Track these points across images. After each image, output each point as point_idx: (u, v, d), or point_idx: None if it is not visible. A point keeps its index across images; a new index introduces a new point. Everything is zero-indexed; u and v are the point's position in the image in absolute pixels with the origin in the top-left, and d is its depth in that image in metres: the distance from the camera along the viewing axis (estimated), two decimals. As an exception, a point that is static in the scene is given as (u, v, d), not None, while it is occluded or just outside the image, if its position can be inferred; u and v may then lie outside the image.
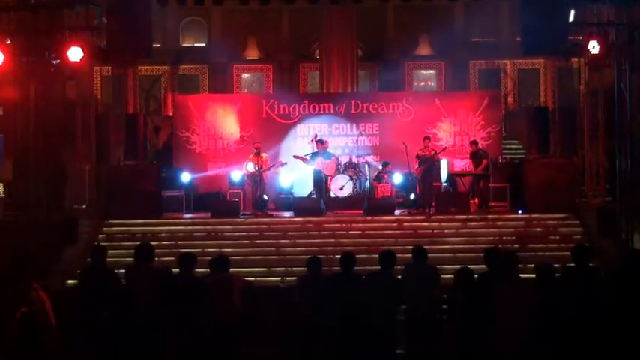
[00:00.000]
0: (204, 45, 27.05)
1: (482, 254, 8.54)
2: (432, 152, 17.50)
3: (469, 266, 8.42)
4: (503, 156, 19.51)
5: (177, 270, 8.84)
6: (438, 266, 9.32)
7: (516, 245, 14.53)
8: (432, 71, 27.17)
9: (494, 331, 7.72)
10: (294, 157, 18.31)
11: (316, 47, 25.44)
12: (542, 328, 7.61)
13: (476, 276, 8.21)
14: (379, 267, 8.80)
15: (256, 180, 17.38)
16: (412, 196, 17.54)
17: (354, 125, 19.66)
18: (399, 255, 8.96)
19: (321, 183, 17.89)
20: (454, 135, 19.56)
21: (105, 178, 16.95)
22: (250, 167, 17.22)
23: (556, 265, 12.46)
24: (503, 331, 7.65)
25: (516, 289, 7.80)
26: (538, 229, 15.81)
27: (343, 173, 18.17)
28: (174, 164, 19.35)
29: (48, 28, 15.21)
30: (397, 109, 19.72)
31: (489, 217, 16.39)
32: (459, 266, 8.57)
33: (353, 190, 18.03)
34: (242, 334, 8.84)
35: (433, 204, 16.82)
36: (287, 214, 17.08)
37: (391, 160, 18.55)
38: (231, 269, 9.18)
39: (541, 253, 14.22)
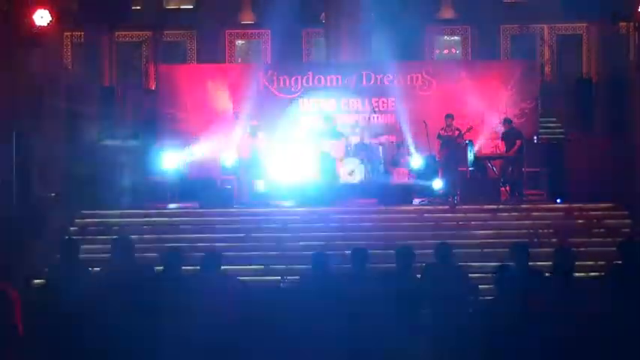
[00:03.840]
0: (191, 7, 27.01)
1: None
2: (457, 132, 17.55)
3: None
4: (540, 136, 19.48)
5: (161, 268, 8.84)
6: (462, 263, 9.27)
7: (554, 240, 14.51)
8: (456, 37, 27.11)
9: None
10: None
11: (322, 9, 25.36)
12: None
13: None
14: (395, 265, 8.78)
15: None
16: (434, 183, 17.52)
17: (366, 100, 19.64)
18: (418, 251, 8.93)
19: (328, 167, 17.87)
20: (482, 112, 19.50)
21: (77, 162, 16.94)
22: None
23: (601, 263, 12.70)
24: None
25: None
26: (580, 221, 15.77)
27: (353, 156, 18.14)
28: (158, 145, 19.33)
29: (9, -13, 15.19)
30: (416, 81, 19.69)
31: (523, 206, 16.38)
32: (487, 264, 8.52)
33: (365, 176, 18.01)
34: (235, 344, 8.81)
35: (458, 192, 16.81)
36: (288, 203, 17.07)
37: (409, 141, 18.51)
38: (224, 267, 9.16)
39: (583, 249, 14.16)
